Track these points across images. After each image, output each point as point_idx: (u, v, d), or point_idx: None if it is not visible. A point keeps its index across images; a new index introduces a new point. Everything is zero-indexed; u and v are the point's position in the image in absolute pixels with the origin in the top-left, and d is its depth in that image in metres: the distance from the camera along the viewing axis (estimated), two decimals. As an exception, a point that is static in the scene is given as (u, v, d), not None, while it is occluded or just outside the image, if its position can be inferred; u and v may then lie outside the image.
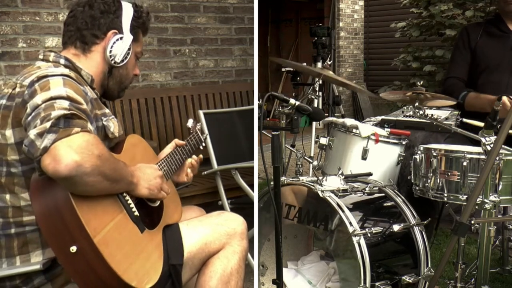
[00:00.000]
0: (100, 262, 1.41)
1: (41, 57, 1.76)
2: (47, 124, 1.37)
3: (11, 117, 1.58)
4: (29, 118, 1.45)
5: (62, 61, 1.73)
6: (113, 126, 1.76)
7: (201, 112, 3.21)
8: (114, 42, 1.79)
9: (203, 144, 2.24)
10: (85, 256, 1.40)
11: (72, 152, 1.33)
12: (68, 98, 1.48)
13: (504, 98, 2.41)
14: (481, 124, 2.30)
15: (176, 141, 2.10)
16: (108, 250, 1.43)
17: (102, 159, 1.40)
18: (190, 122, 2.22)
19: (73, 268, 1.42)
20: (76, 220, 1.39)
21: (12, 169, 1.60)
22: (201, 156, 2.17)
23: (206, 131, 3.09)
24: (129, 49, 1.84)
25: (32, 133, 1.37)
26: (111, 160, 1.46)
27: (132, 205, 1.63)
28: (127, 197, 1.62)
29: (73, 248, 1.39)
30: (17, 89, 1.58)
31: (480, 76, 2.75)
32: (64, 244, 1.40)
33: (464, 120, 2.29)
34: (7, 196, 1.62)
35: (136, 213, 1.63)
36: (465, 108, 2.75)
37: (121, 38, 1.80)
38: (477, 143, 2.18)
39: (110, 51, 1.79)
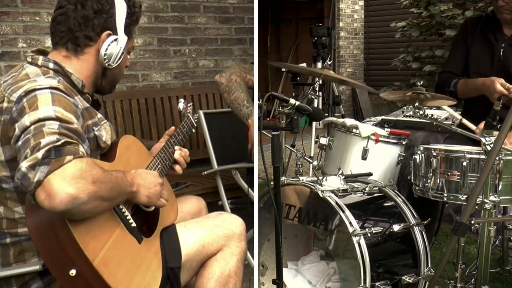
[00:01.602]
0: (100, 283, 1.40)
1: (29, 59, 1.66)
2: (38, 155, 1.31)
3: (0, 134, 1.54)
4: (19, 143, 1.39)
5: (51, 65, 1.65)
6: (105, 134, 1.72)
7: (201, 112, 3.21)
8: (109, 44, 1.71)
9: (196, 127, 2.19)
10: (85, 278, 1.39)
11: (66, 185, 1.29)
12: (57, 118, 1.41)
13: (498, 86, 2.42)
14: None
15: (167, 132, 2.04)
16: (108, 271, 1.42)
17: (98, 183, 1.35)
18: (181, 104, 2.11)
19: None
20: (73, 245, 1.37)
21: (4, 184, 1.58)
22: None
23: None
24: (123, 49, 1.77)
25: (24, 165, 1.31)
26: (107, 180, 1.40)
27: (129, 216, 1.60)
28: (124, 209, 1.59)
29: (73, 272, 1.38)
30: (5, 104, 1.52)
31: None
32: (63, 267, 1.39)
33: (463, 120, 2.30)
34: (1, 209, 1.60)
35: (133, 224, 1.60)
36: (458, 96, 2.74)
37: (115, 39, 1.73)
38: (477, 143, 2.19)
39: (105, 54, 1.72)
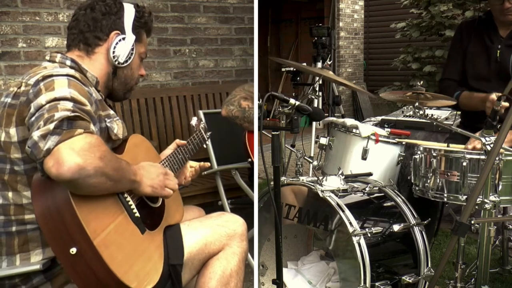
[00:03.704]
0: (99, 264, 1.41)
1: (47, 58, 1.77)
2: (51, 126, 1.37)
3: (15, 116, 1.59)
4: (33, 118, 1.45)
5: (68, 62, 1.74)
6: (117, 127, 1.76)
7: (201, 112, 3.21)
8: (117, 43, 1.80)
9: (207, 143, 2.24)
10: (84, 257, 1.41)
11: (74, 155, 1.34)
12: (72, 99, 1.49)
13: (493, 96, 2.42)
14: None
15: (178, 141, 2.10)
16: (108, 252, 1.43)
17: (105, 160, 1.40)
18: (194, 120, 2.21)
19: (72, 269, 1.42)
20: (76, 221, 1.40)
21: (15, 167, 1.61)
22: (208, 164, 2.19)
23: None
24: (132, 49, 1.85)
25: (36, 134, 1.37)
26: (113, 160, 1.46)
27: (133, 206, 1.63)
28: (128, 198, 1.62)
29: (73, 250, 1.39)
30: (22, 88, 1.59)
31: (470, 81, 2.75)
32: (64, 245, 1.41)
33: (451, 145, 2.31)
34: (10, 194, 1.62)
35: (137, 214, 1.63)
36: (460, 107, 2.75)
37: (123, 38, 1.81)
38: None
39: (113, 52, 1.80)
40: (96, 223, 1.45)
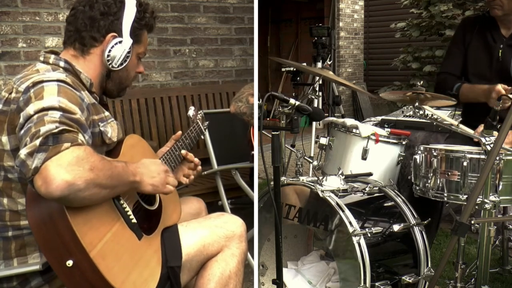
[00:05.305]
0: (96, 276, 1.40)
1: (41, 58, 1.73)
2: (37, 142, 1.34)
3: (7, 123, 1.57)
4: (22, 132, 1.42)
5: (61, 63, 1.70)
6: (111, 130, 1.73)
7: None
8: (113, 46, 1.75)
9: (204, 134, 2.21)
10: (81, 270, 1.39)
11: (62, 172, 1.30)
12: (60, 108, 1.44)
13: (499, 87, 2.41)
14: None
15: (174, 136, 2.06)
16: (105, 263, 1.42)
17: (95, 171, 1.36)
18: (191, 111, 2.15)
19: (68, 280, 1.41)
20: (71, 234, 1.38)
21: (9, 174, 1.60)
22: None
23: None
24: (128, 52, 1.79)
25: (23, 152, 1.33)
26: (105, 168, 1.42)
27: (130, 212, 1.61)
28: (124, 204, 1.59)
29: (69, 262, 1.38)
30: (13, 95, 1.56)
31: (471, 79, 2.75)
32: (60, 258, 1.39)
33: (461, 126, 2.29)
34: (5, 200, 1.61)
35: (134, 220, 1.61)
36: (460, 100, 2.73)
37: (120, 42, 1.76)
38: (477, 143, 2.19)
39: (108, 55, 1.75)
40: (92, 234, 1.43)
